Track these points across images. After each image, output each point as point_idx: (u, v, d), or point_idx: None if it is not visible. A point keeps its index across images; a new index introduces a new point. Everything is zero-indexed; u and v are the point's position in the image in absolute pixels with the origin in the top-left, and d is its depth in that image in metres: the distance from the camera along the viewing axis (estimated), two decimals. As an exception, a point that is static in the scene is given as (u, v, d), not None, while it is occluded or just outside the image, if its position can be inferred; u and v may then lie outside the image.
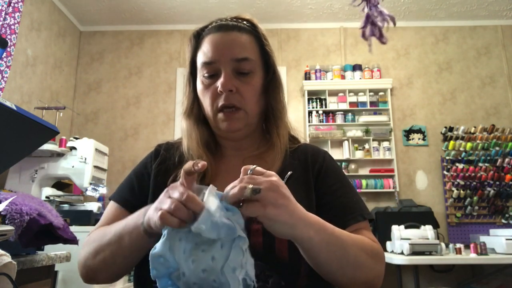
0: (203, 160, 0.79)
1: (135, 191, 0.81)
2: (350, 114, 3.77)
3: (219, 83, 0.76)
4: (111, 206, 0.82)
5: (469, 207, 3.58)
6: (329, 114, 3.77)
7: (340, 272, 0.64)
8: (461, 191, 3.58)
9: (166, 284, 0.55)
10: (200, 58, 0.80)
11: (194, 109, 0.84)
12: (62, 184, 2.89)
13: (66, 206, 2.39)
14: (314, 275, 0.68)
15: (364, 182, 3.56)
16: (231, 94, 0.76)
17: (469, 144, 3.65)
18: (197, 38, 0.84)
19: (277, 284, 0.66)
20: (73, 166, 2.50)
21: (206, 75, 0.79)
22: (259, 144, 0.86)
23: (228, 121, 0.78)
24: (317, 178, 0.81)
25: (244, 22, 0.83)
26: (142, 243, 0.63)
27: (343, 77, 3.86)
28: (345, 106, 3.78)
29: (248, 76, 0.79)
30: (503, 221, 3.56)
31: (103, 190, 2.60)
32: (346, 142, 3.67)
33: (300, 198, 0.66)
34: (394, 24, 0.80)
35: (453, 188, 3.60)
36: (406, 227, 2.74)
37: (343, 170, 3.58)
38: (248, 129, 0.82)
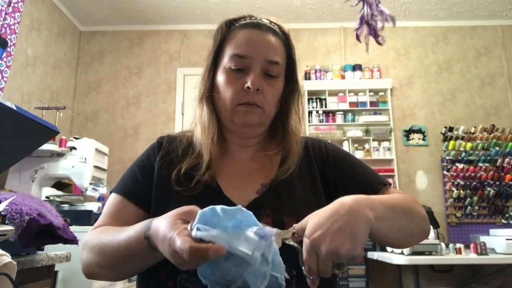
0: (211, 153, 0.78)
1: (140, 183, 0.80)
2: (350, 114, 3.77)
3: (248, 79, 0.76)
4: (114, 198, 0.79)
5: (469, 207, 3.58)
6: (329, 114, 3.77)
7: (414, 227, 0.70)
8: (461, 191, 3.58)
9: (205, 272, 0.56)
10: (231, 49, 0.79)
11: (210, 98, 0.83)
12: (62, 184, 2.89)
13: (66, 206, 2.39)
14: None
15: (364, 182, 3.55)
16: (256, 93, 0.76)
17: (469, 144, 3.65)
18: (228, 27, 0.83)
19: (289, 273, 0.67)
20: (73, 166, 2.50)
21: (233, 67, 0.78)
22: (264, 144, 0.87)
23: (245, 116, 0.77)
24: (326, 167, 0.83)
25: (277, 27, 0.84)
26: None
27: (343, 77, 3.86)
28: (345, 106, 3.78)
29: (274, 79, 0.79)
30: (503, 221, 3.55)
31: (103, 190, 2.60)
32: (346, 142, 3.67)
33: (307, 191, 0.70)
34: (394, 23, 0.80)
35: (453, 188, 3.60)
36: (406, 227, 2.74)
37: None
38: (260, 129, 0.83)
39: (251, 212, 0.55)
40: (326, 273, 0.55)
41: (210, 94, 0.82)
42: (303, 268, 0.56)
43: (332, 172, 0.82)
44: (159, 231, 0.57)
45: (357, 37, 0.81)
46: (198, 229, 0.53)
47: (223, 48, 0.81)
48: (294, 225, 0.59)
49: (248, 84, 0.75)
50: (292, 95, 0.85)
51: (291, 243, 0.58)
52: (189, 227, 0.54)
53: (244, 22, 0.82)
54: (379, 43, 0.81)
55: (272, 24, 0.84)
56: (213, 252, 0.50)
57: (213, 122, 0.81)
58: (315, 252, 0.54)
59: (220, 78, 0.80)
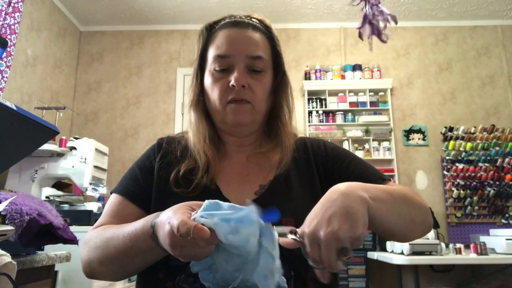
0: (208, 155, 0.79)
1: (140, 183, 0.80)
2: (350, 114, 3.77)
3: (232, 77, 0.76)
4: (114, 199, 0.80)
5: (469, 207, 3.58)
6: (329, 114, 3.77)
7: (414, 214, 0.69)
8: (461, 191, 3.58)
9: (207, 276, 0.56)
10: (213, 51, 0.80)
11: (200, 102, 0.84)
12: (62, 184, 2.89)
13: (66, 206, 2.39)
14: None
15: (364, 182, 3.55)
16: (242, 89, 0.77)
17: (469, 144, 3.65)
18: (209, 31, 0.84)
19: (287, 274, 0.67)
20: (73, 166, 2.50)
21: (217, 68, 0.79)
22: (261, 142, 0.87)
23: (236, 114, 0.78)
24: (326, 165, 0.83)
25: (258, 22, 0.84)
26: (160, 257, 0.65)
27: (343, 77, 3.86)
28: (345, 106, 3.78)
29: (260, 74, 0.79)
30: (503, 221, 3.55)
31: (103, 190, 2.60)
32: (346, 142, 3.67)
33: (305, 191, 0.71)
34: (396, 22, 0.80)
35: (453, 188, 3.60)
36: (406, 227, 2.74)
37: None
38: (253, 126, 0.83)
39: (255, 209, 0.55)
40: (332, 263, 0.52)
41: (199, 98, 0.83)
42: (308, 260, 0.54)
43: (331, 169, 0.82)
44: (163, 217, 0.58)
45: (360, 35, 0.82)
46: (202, 216, 0.53)
47: (207, 52, 0.82)
48: (293, 228, 0.59)
49: (232, 82, 0.76)
50: (281, 87, 0.85)
51: (292, 236, 0.56)
52: (193, 214, 0.55)
53: (223, 22, 0.83)
54: (383, 41, 0.81)
55: (252, 20, 0.83)
56: (196, 231, 0.50)
57: (203, 124, 0.82)
58: (316, 242, 0.53)
59: (207, 81, 0.81)
